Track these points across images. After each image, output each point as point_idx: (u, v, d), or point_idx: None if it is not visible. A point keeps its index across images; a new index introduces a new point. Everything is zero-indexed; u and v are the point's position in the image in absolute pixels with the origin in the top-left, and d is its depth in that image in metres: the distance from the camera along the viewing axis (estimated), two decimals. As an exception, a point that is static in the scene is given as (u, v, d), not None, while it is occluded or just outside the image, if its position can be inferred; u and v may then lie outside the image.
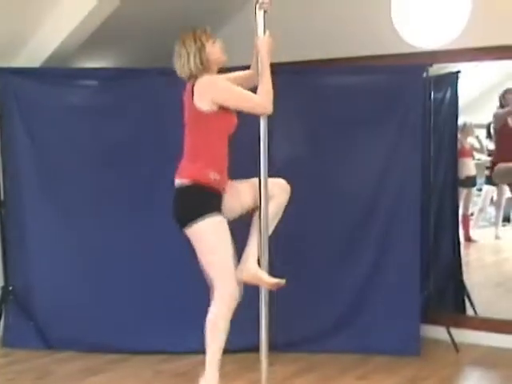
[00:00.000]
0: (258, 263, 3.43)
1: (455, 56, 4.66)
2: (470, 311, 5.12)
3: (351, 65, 4.87)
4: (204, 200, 3.38)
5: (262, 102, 3.36)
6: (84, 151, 4.64)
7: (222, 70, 3.54)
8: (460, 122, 5.65)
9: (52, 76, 4.67)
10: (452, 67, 5.07)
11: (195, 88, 3.35)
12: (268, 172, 3.40)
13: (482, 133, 9.14)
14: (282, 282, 3.37)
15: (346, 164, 4.61)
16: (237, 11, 5.23)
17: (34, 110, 4.64)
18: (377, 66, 4.75)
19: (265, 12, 3.33)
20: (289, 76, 4.35)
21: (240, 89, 3.39)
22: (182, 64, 3.40)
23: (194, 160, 3.42)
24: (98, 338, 4.61)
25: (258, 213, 3.45)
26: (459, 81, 5.10)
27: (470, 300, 5.14)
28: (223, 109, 3.37)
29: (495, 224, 9.67)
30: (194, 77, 3.38)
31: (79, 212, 4.67)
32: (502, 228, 9.74)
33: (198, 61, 3.37)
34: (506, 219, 10.50)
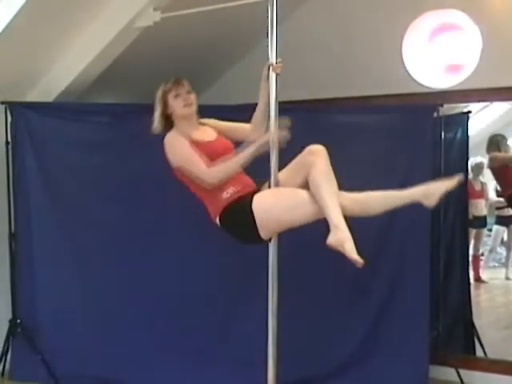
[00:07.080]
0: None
1: (465, 96, 4.69)
2: (479, 352, 5.08)
3: (363, 104, 4.90)
4: (239, 210, 3.25)
5: (210, 171, 3.26)
6: (96, 186, 4.66)
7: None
8: (470, 162, 5.66)
9: (65, 111, 4.71)
10: (462, 107, 5.09)
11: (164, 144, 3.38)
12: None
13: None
14: (361, 261, 3.10)
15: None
16: (244, 54, 5.28)
17: (47, 145, 4.67)
18: (388, 105, 4.78)
19: (277, 75, 3.30)
20: (301, 114, 4.34)
21: (193, 156, 3.30)
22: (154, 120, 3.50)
23: (206, 204, 3.38)
24: (105, 373, 4.59)
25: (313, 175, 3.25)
26: (469, 121, 5.12)
27: (479, 341, 5.11)
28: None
29: (505, 265, 9.63)
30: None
31: (90, 246, 4.67)
32: (513, 268, 9.72)
33: (162, 119, 3.48)
34: (517, 260, 10.47)
